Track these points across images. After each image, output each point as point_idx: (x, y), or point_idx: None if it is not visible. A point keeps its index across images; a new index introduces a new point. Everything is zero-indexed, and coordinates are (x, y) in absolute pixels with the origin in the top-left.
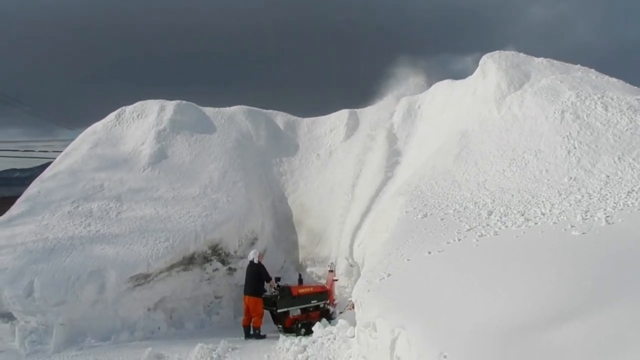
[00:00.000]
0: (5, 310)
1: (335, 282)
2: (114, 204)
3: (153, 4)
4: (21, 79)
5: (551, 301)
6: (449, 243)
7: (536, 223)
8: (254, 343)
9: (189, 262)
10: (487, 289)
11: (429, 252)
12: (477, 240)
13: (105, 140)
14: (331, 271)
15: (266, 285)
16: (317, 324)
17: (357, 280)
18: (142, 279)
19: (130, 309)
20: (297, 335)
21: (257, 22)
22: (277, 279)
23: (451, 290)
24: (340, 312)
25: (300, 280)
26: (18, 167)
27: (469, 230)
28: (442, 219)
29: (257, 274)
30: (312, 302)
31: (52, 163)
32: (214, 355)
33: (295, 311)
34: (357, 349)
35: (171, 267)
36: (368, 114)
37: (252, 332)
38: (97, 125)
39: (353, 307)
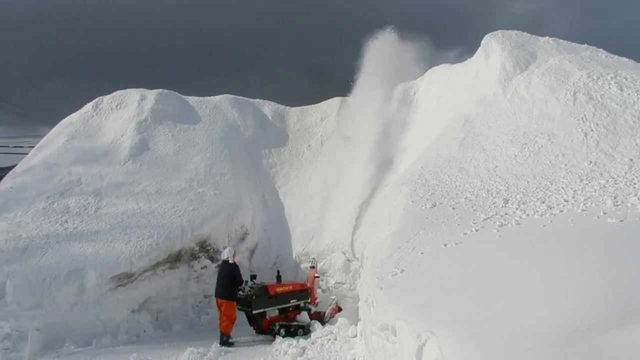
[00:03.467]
0: None
1: (317, 279)
2: (93, 199)
3: None
4: None
5: (609, 298)
6: (465, 234)
7: (561, 211)
8: (247, 345)
9: (175, 259)
10: (524, 286)
11: (445, 245)
12: (498, 231)
13: (82, 132)
14: (312, 267)
15: None
16: (317, 323)
17: (361, 276)
18: (124, 279)
19: (113, 311)
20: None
21: (239, 15)
22: (253, 277)
23: (479, 287)
24: (332, 317)
25: (279, 278)
26: None
27: (485, 219)
28: (453, 209)
29: (230, 275)
30: (291, 301)
31: (26, 157)
32: None
33: (272, 312)
34: (362, 352)
35: (156, 266)
36: (360, 101)
37: (220, 338)
38: (74, 117)
39: (338, 310)
